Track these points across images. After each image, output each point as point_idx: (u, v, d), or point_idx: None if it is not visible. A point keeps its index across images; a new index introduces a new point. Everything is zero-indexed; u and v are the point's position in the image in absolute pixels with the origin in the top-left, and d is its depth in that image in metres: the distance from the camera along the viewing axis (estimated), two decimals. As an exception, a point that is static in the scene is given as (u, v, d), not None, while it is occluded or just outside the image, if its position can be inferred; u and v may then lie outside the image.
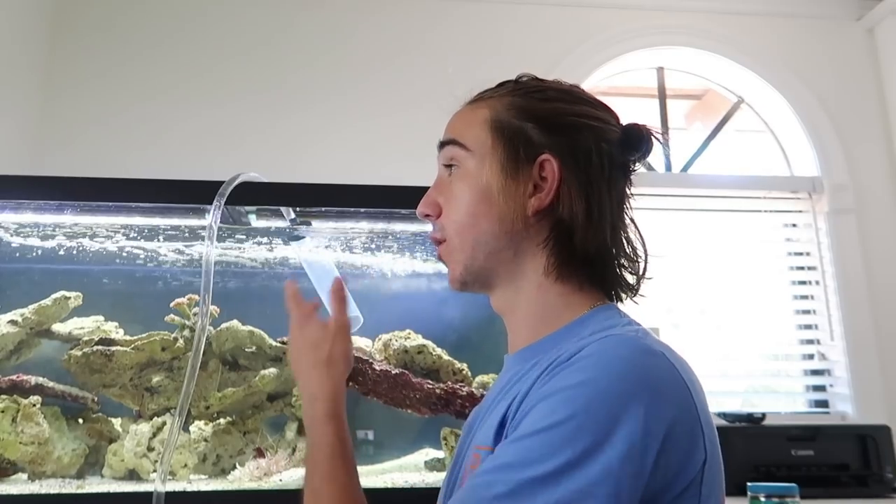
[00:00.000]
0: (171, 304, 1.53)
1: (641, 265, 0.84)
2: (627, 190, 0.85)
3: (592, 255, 0.80)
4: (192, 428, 1.53)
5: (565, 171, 0.80)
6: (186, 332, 1.53)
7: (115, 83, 2.69)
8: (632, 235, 0.84)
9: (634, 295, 0.85)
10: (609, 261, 0.82)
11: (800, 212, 2.95)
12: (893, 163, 2.92)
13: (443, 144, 0.88)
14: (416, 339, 1.60)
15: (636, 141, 0.84)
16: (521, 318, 0.84)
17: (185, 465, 1.44)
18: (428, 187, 0.90)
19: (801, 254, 2.92)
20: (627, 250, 0.83)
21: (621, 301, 0.85)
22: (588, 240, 0.79)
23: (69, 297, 1.55)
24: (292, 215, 1.51)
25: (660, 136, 0.86)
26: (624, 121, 0.87)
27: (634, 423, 0.61)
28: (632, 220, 0.85)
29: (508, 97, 0.86)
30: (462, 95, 0.91)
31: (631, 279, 0.84)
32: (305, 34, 2.83)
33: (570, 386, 0.65)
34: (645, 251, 0.84)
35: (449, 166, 0.87)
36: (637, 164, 0.86)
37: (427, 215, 0.88)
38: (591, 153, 0.80)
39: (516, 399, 0.71)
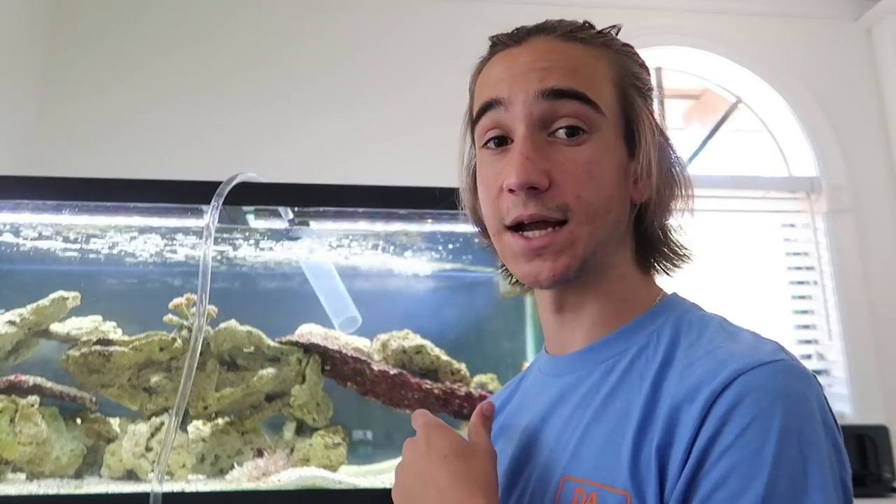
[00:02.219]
0: (170, 305, 1.53)
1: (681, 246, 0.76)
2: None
3: (661, 240, 0.74)
4: (190, 428, 1.53)
5: (661, 157, 0.71)
6: (184, 333, 1.53)
7: (114, 84, 2.69)
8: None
9: (671, 273, 0.77)
10: (669, 245, 0.75)
11: (798, 212, 2.95)
12: (891, 163, 2.92)
13: (559, 94, 0.67)
14: (415, 339, 1.60)
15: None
16: (588, 314, 0.73)
17: (183, 466, 1.44)
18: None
19: (799, 254, 2.92)
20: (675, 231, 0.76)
21: (661, 274, 0.78)
22: (656, 226, 0.72)
23: (67, 298, 1.55)
24: (290, 215, 1.51)
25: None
26: None
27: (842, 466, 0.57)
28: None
29: (619, 56, 0.73)
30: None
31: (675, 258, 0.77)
32: (304, 34, 2.83)
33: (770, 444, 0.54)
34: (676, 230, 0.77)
35: (571, 127, 0.67)
36: None
37: (533, 187, 0.66)
38: (669, 138, 0.74)
39: (666, 442, 0.58)
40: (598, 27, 0.77)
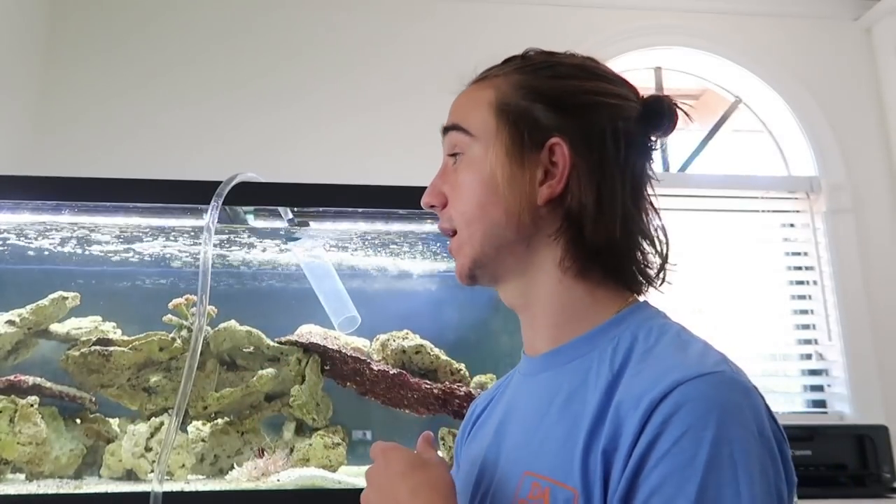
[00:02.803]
0: (169, 305, 1.53)
1: (663, 252, 0.78)
2: (649, 170, 0.80)
3: (605, 247, 0.74)
4: (189, 428, 1.53)
5: (576, 156, 0.73)
6: (184, 333, 1.53)
7: (113, 83, 2.69)
8: (652, 221, 0.78)
9: (659, 285, 0.78)
10: (627, 252, 0.76)
11: (797, 212, 2.95)
12: (891, 162, 2.92)
13: (446, 130, 0.83)
14: (414, 339, 1.60)
15: (657, 116, 0.77)
16: (540, 315, 0.78)
17: (183, 466, 1.44)
18: (425, 187, 0.87)
19: (798, 254, 2.92)
20: (647, 238, 0.77)
21: (644, 292, 0.79)
22: (598, 232, 0.73)
23: (67, 298, 1.55)
24: (290, 215, 1.51)
25: (684, 107, 0.79)
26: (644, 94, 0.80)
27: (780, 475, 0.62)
28: (651, 204, 0.79)
29: (515, 75, 0.79)
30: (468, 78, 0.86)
31: (652, 268, 0.78)
32: (304, 33, 2.83)
33: (707, 452, 0.57)
34: (666, 238, 0.78)
35: (453, 154, 0.81)
36: (660, 140, 0.81)
37: (432, 206, 0.83)
38: (604, 135, 0.74)
39: (612, 447, 0.62)
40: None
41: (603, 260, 0.75)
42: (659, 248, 0.78)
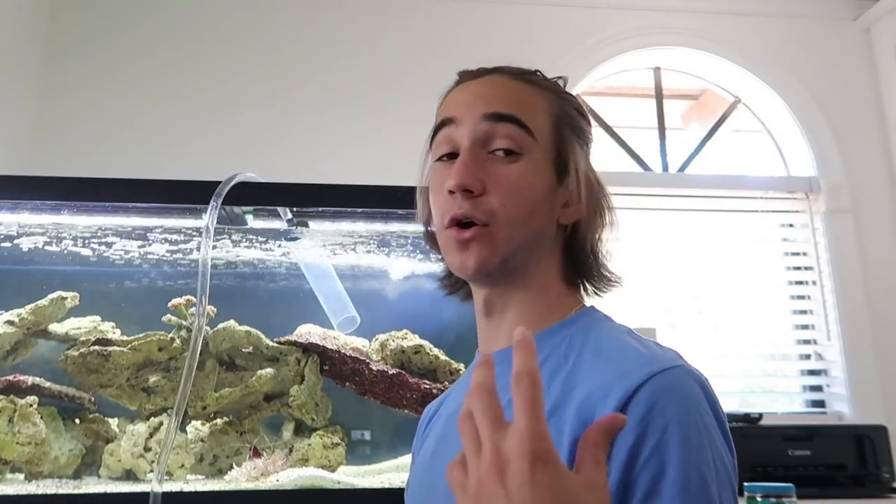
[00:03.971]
0: (169, 305, 1.53)
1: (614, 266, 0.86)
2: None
3: (594, 262, 0.84)
4: (188, 428, 1.53)
5: (589, 189, 0.82)
6: (183, 333, 1.53)
7: (112, 83, 2.69)
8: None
9: (603, 291, 0.87)
10: (599, 265, 0.85)
11: (796, 212, 2.95)
12: (890, 162, 2.92)
13: (499, 117, 0.78)
14: (413, 339, 1.60)
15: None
16: (512, 318, 0.82)
17: (182, 466, 1.44)
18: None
19: (797, 254, 2.92)
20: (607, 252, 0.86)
21: (589, 295, 0.87)
22: (590, 250, 0.83)
23: (66, 298, 1.55)
24: (289, 215, 1.51)
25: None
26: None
27: (730, 458, 0.67)
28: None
29: (559, 100, 0.84)
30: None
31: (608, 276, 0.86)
32: (303, 34, 2.83)
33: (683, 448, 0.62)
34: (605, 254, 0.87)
35: (507, 148, 0.78)
36: None
37: (468, 190, 0.76)
38: (597, 176, 0.85)
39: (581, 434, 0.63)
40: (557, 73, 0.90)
41: (585, 274, 0.84)
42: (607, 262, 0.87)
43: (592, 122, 0.89)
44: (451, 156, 0.80)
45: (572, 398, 0.68)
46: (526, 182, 0.77)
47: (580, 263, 0.84)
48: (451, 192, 0.77)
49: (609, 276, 0.86)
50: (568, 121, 0.83)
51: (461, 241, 0.77)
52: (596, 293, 0.86)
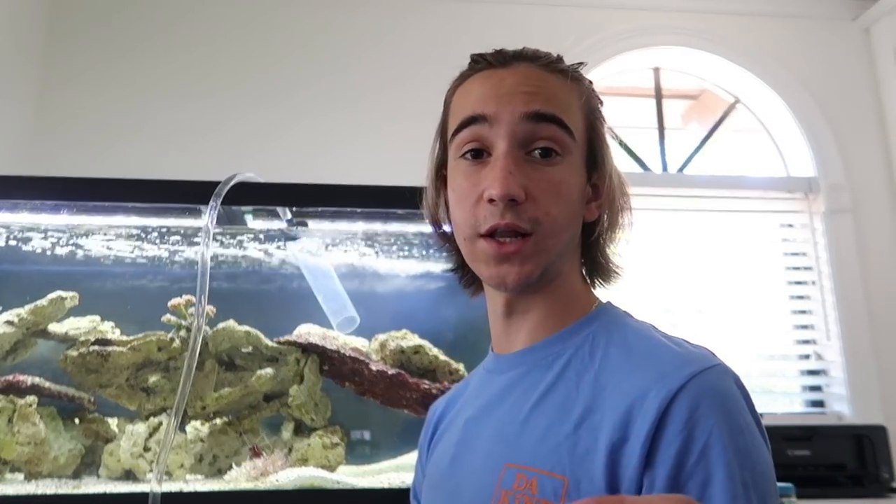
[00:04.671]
0: (169, 304, 1.53)
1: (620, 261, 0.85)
2: None
3: (609, 262, 0.83)
4: (188, 428, 1.52)
5: (612, 184, 0.81)
6: (183, 333, 1.53)
7: (112, 83, 2.69)
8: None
9: (607, 285, 0.86)
10: (612, 264, 0.85)
11: (796, 212, 2.96)
12: (890, 162, 2.92)
13: (543, 117, 0.73)
14: (413, 340, 1.60)
15: None
16: (533, 318, 0.79)
17: (182, 466, 1.44)
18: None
19: (797, 254, 2.92)
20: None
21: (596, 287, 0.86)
22: (609, 250, 0.83)
23: (65, 298, 1.55)
24: (289, 215, 1.51)
25: None
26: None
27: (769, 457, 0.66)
28: None
29: (586, 91, 0.80)
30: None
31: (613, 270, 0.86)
32: (303, 33, 2.83)
33: (722, 441, 0.61)
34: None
35: (548, 148, 0.74)
36: None
37: (513, 199, 0.71)
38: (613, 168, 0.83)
39: (620, 438, 0.63)
40: (576, 57, 0.85)
41: (597, 269, 0.84)
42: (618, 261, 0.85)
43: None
44: (478, 152, 0.75)
45: (604, 399, 0.67)
46: (567, 186, 0.74)
47: (597, 260, 0.83)
48: (491, 200, 0.71)
49: (616, 269, 0.85)
50: (597, 114, 0.81)
51: (502, 255, 0.73)
52: (601, 285, 0.86)
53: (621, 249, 0.85)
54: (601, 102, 0.84)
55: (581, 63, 0.83)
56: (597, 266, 0.84)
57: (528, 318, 0.79)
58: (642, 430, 0.62)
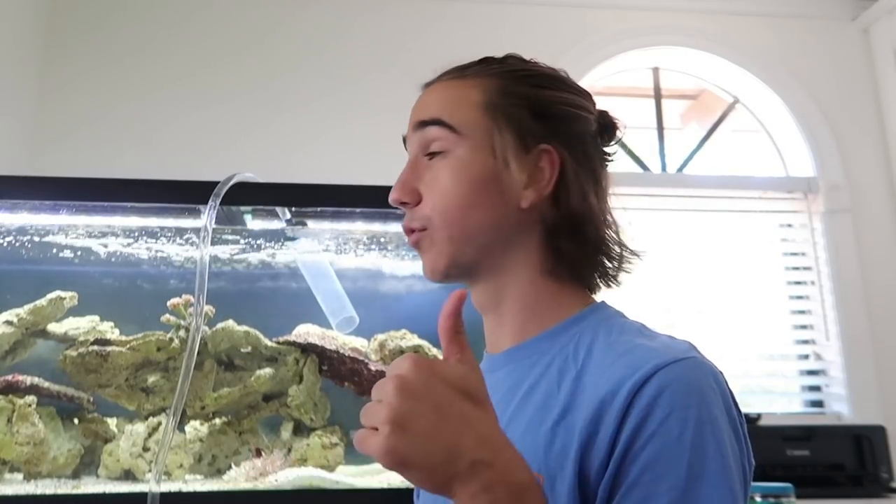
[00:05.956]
0: (168, 304, 1.53)
1: (623, 257, 0.82)
2: (606, 180, 0.84)
3: (579, 251, 0.79)
4: (187, 428, 1.52)
5: (562, 163, 0.77)
6: (182, 333, 1.53)
7: (110, 83, 2.69)
8: (613, 228, 0.82)
9: (613, 286, 0.83)
10: (594, 256, 0.80)
11: (795, 212, 2.96)
12: (889, 162, 2.93)
13: (423, 124, 0.81)
14: (412, 340, 1.60)
15: (612, 129, 0.84)
16: (508, 314, 0.80)
17: (181, 466, 1.44)
18: None
19: (796, 254, 2.93)
20: (612, 243, 0.81)
21: (598, 290, 0.84)
22: (575, 236, 0.78)
23: (64, 298, 1.54)
24: (288, 215, 1.51)
25: (621, 123, 0.86)
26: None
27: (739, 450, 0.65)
28: (610, 211, 0.83)
29: (498, 79, 0.81)
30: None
31: (611, 270, 0.82)
32: (301, 33, 2.83)
33: (687, 435, 0.61)
34: (622, 242, 0.83)
35: (431, 150, 0.80)
36: (612, 153, 0.86)
37: (404, 203, 0.80)
38: (583, 145, 0.80)
39: (592, 433, 0.64)
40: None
41: (571, 261, 0.79)
42: (619, 252, 0.82)
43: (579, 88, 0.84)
44: None
45: (583, 399, 0.67)
46: (452, 178, 0.77)
47: (567, 253, 0.78)
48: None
49: (614, 265, 0.82)
50: (510, 99, 0.79)
51: (414, 248, 0.81)
52: (606, 284, 0.83)
53: (620, 245, 0.82)
54: (545, 87, 0.81)
55: (510, 55, 0.84)
56: (573, 262, 0.79)
57: (506, 316, 0.81)
58: (611, 421, 0.63)
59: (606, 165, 0.85)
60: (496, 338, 0.83)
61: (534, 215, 0.78)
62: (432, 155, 0.80)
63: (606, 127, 0.83)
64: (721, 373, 0.68)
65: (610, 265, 0.82)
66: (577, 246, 0.78)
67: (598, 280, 0.82)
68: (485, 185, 0.77)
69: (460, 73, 0.83)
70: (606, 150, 0.85)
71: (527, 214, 0.78)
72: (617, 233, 0.82)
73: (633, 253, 0.82)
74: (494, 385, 0.79)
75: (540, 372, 0.74)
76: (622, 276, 0.83)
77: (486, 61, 0.83)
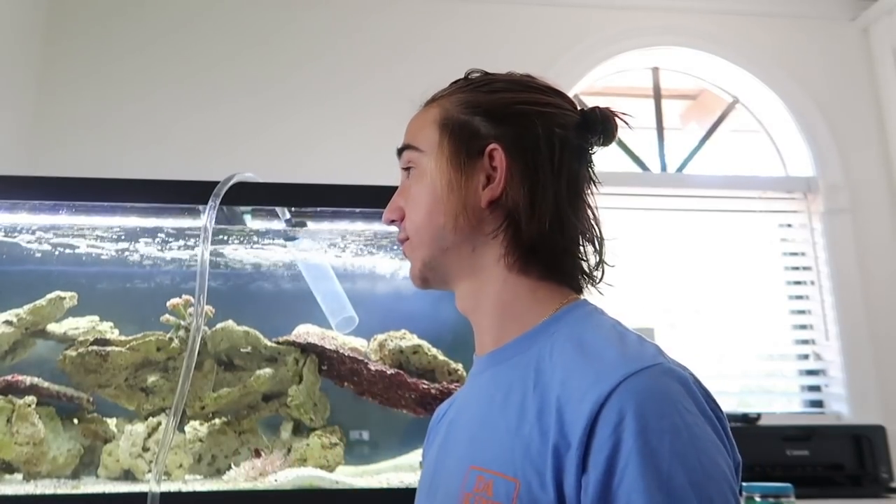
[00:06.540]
0: (168, 304, 1.53)
1: (599, 251, 0.83)
2: (591, 174, 0.85)
3: (539, 243, 0.79)
4: (187, 428, 1.52)
5: (511, 159, 0.80)
6: (182, 333, 1.53)
7: (110, 83, 2.69)
8: (588, 223, 0.82)
9: (596, 283, 0.83)
10: (563, 250, 0.81)
11: (795, 212, 2.96)
12: (888, 162, 2.93)
13: (400, 151, 0.90)
14: (412, 340, 1.60)
15: (593, 123, 0.84)
16: (486, 316, 0.83)
17: (181, 466, 1.44)
18: None
19: (796, 254, 2.93)
20: (585, 237, 0.82)
21: (585, 290, 0.84)
22: (531, 228, 0.78)
23: (64, 298, 1.54)
24: (287, 215, 1.51)
25: (623, 118, 0.87)
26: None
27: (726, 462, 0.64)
28: (589, 205, 0.83)
29: (457, 94, 0.86)
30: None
31: (591, 266, 0.83)
32: (302, 34, 2.83)
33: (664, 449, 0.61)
34: (601, 237, 0.83)
35: (407, 170, 0.88)
36: (597, 146, 0.86)
37: (392, 221, 0.89)
38: (538, 140, 0.80)
39: (563, 442, 0.64)
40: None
41: (540, 257, 0.80)
42: (597, 247, 0.83)
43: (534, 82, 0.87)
44: None
45: (551, 405, 0.67)
46: (417, 190, 0.85)
47: (534, 248, 0.79)
48: None
49: (591, 261, 0.83)
50: (464, 108, 0.84)
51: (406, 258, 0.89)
52: (589, 285, 0.84)
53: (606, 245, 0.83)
54: (502, 91, 0.84)
55: (474, 70, 0.89)
56: (542, 258, 0.80)
57: (482, 317, 0.84)
58: (576, 435, 0.63)
59: (589, 160, 0.85)
60: (480, 340, 0.85)
61: (497, 213, 0.81)
62: (408, 174, 0.88)
63: (591, 122, 0.84)
64: (691, 375, 0.68)
65: (586, 261, 0.82)
66: (542, 240, 0.79)
67: (582, 278, 0.83)
68: (444, 191, 0.82)
69: (432, 99, 0.90)
70: (592, 144, 0.85)
71: (490, 213, 0.81)
72: (594, 227, 0.83)
73: (601, 249, 0.83)
74: (479, 388, 0.81)
75: (519, 375, 0.74)
76: (612, 276, 0.84)
77: (454, 83, 0.89)
